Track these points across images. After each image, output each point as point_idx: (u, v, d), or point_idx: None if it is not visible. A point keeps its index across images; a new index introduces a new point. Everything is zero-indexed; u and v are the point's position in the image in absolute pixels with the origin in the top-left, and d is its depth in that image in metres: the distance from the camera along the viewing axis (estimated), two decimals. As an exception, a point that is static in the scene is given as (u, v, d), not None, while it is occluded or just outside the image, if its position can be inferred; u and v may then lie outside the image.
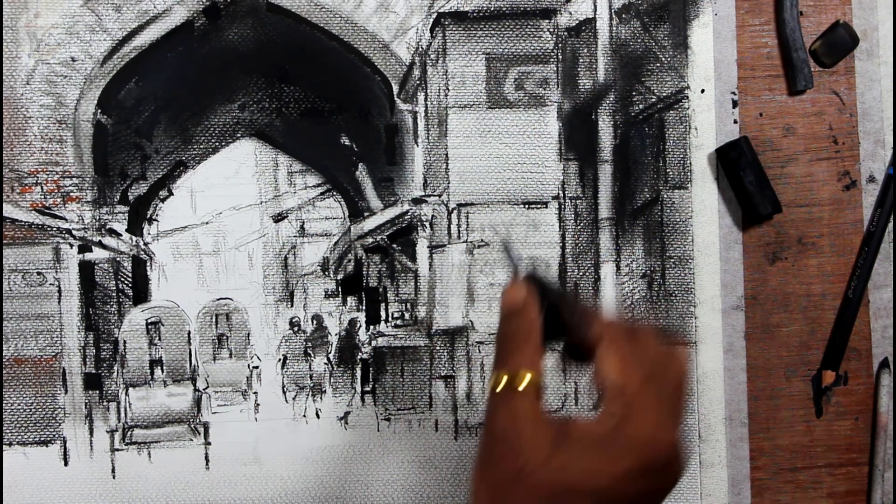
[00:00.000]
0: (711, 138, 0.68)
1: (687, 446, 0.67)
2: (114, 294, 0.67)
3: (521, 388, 0.45)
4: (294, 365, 0.69)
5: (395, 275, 0.69)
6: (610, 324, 0.48)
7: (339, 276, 0.69)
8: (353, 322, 0.69)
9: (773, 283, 0.68)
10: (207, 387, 0.68)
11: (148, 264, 0.68)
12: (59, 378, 0.67)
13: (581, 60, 0.68)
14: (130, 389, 0.68)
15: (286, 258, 0.69)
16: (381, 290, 0.69)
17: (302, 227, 0.69)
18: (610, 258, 0.68)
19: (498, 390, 0.45)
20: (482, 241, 0.68)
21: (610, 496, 0.43)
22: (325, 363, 0.69)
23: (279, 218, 0.69)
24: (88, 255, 0.67)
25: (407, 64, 0.68)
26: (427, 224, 0.69)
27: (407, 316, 0.69)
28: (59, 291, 0.67)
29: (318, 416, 0.68)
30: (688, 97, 0.68)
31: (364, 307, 0.69)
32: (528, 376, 0.45)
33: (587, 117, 0.68)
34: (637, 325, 0.50)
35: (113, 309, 0.67)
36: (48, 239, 0.67)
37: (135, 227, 0.68)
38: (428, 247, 0.69)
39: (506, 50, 0.68)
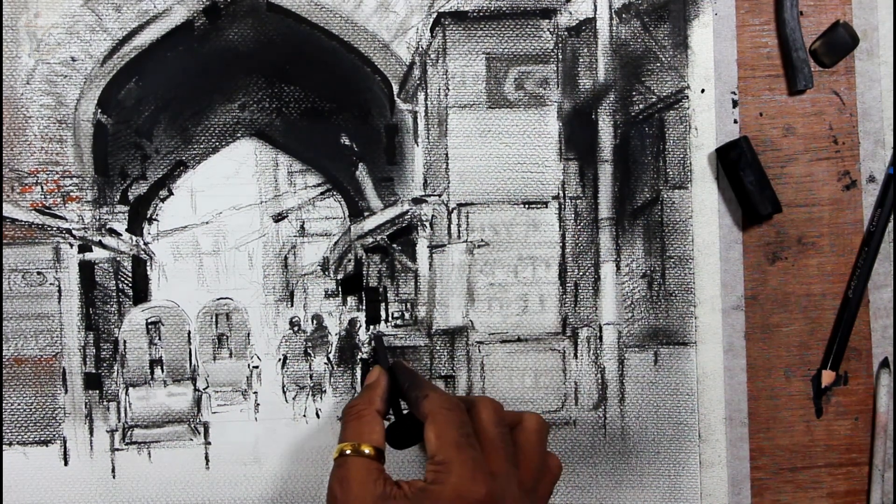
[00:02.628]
0: (711, 138, 0.68)
1: (687, 446, 0.67)
2: (114, 294, 0.67)
3: (349, 454, 0.52)
4: (294, 365, 0.69)
5: (395, 275, 0.69)
6: (436, 399, 0.54)
7: (339, 276, 0.69)
8: (353, 322, 0.69)
9: (773, 283, 0.68)
10: (207, 386, 0.68)
11: (148, 264, 0.68)
12: (59, 378, 0.67)
13: (581, 60, 0.68)
14: (130, 389, 0.68)
15: (286, 258, 0.69)
16: (381, 290, 0.69)
17: (302, 227, 0.69)
18: (610, 258, 0.68)
19: (334, 458, 0.53)
20: (482, 241, 0.68)
21: None
22: (325, 363, 0.69)
23: (279, 218, 0.69)
24: (88, 255, 0.67)
25: (407, 64, 0.68)
26: (427, 224, 0.69)
27: (407, 316, 0.69)
28: (59, 291, 0.67)
29: (318, 416, 0.68)
30: (688, 97, 0.68)
31: (364, 307, 0.69)
32: (359, 446, 0.52)
33: (587, 117, 0.68)
34: (468, 398, 0.57)
35: (113, 309, 0.67)
36: (48, 239, 0.67)
37: (135, 227, 0.68)
38: (428, 247, 0.69)
39: (506, 50, 0.68)
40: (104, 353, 0.67)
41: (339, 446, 0.53)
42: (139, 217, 0.68)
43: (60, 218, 0.67)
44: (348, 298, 0.69)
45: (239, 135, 0.68)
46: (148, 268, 0.68)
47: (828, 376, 0.68)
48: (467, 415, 0.54)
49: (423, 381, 0.57)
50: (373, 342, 0.66)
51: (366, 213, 0.69)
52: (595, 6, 0.68)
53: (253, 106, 0.68)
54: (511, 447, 0.53)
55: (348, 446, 0.52)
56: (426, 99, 0.69)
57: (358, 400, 0.56)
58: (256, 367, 0.68)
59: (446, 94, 0.68)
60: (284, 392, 0.68)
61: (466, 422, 0.53)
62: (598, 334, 0.68)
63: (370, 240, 0.69)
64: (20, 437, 0.66)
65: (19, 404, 0.66)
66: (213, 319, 0.68)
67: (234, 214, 0.68)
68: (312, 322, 0.69)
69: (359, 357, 0.69)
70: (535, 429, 0.55)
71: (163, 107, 0.68)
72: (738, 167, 0.66)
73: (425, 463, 0.52)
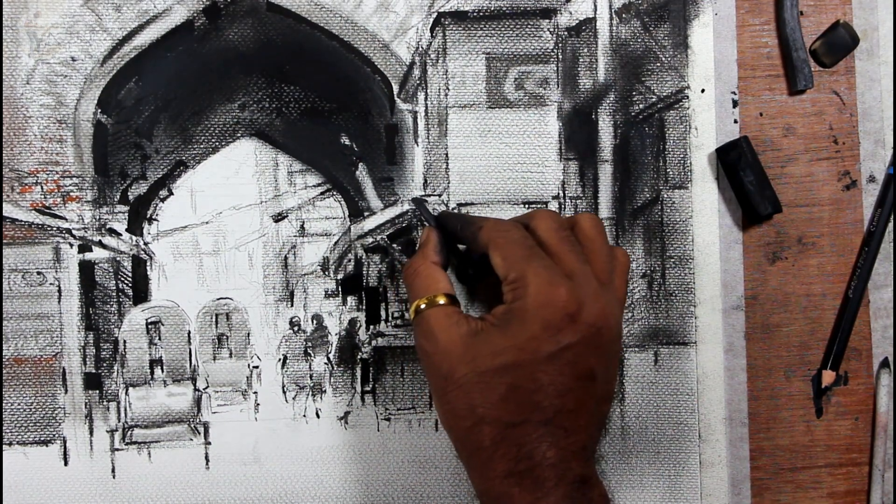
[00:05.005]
0: (711, 138, 0.68)
1: (687, 446, 0.67)
2: (114, 294, 0.67)
3: (424, 308, 0.52)
4: (294, 365, 0.69)
5: (395, 275, 0.69)
6: (492, 225, 0.54)
7: (339, 276, 0.69)
8: (353, 322, 0.69)
9: (773, 283, 0.68)
10: (207, 386, 0.68)
11: (148, 264, 0.68)
12: (59, 378, 0.67)
13: (581, 60, 0.68)
14: (130, 389, 0.68)
15: (286, 258, 0.69)
16: (381, 289, 0.69)
17: (302, 227, 0.69)
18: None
19: (411, 317, 0.53)
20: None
21: (521, 368, 0.48)
22: (325, 363, 0.69)
23: (279, 218, 0.69)
24: (88, 255, 0.67)
25: (407, 64, 0.68)
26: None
27: (407, 316, 0.69)
28: (59, 291, 0.67)
29: (318, 416, 0.68)
30: (688, 97, 0.68)
31: (364, 307, 0.69)
32: (433, 297, 0.53)
33: (587, 117, 0.68)
34: (521, 216, 0.56)
35: (113, 309, 0.67)
36: (48, 239, 0.67)
37: (135, 227, 0.68)
38: (428, 247, 0.69)
39: (506, 50, 0.68)
40: (104, 353, 0.67)
41: (412, 307, 0.54)
42: (139, 217, 0.68)
43: (60, 218, 0.67)
44: (348, 298, 0.69)
45: (239, 135, 0.68)
46: (148, 268, 0.68)
47: (828, 376, 0.68)
48: (525, 230, 0.53)
49: (473, 217, 0.57)
50: (414, 206, 0.66)
51: (366, 213, 0.69)
52: (595, 6, 0.68)
53: (253, 106, 0.68)
54: (577, 247, 0.53)
55: (421, 302, 0.53)
56: (426, 99, 0.69)
57: (413, 259, 0.57)
58: (256, 367, 0.68)
59: (446, 94, 0.68)
60: (284, 392, 0.68)
61: (527, 235, 0.52)
62: (598, 334, 0.68)
63: (370, 240, 0.69)
64: (20, 437, 0.66)
65: (19, 404, 0.66)
66: (213, 319, 0.68)
67: (234, 214, 0.68)
68: (312, 322, 0.69)
69: (359, 357, 0.69)
70: (592, 225, 0.55)
71: (163, 107, 0.68)
72: (738, 167, 0.66)
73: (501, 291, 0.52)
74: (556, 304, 0.48)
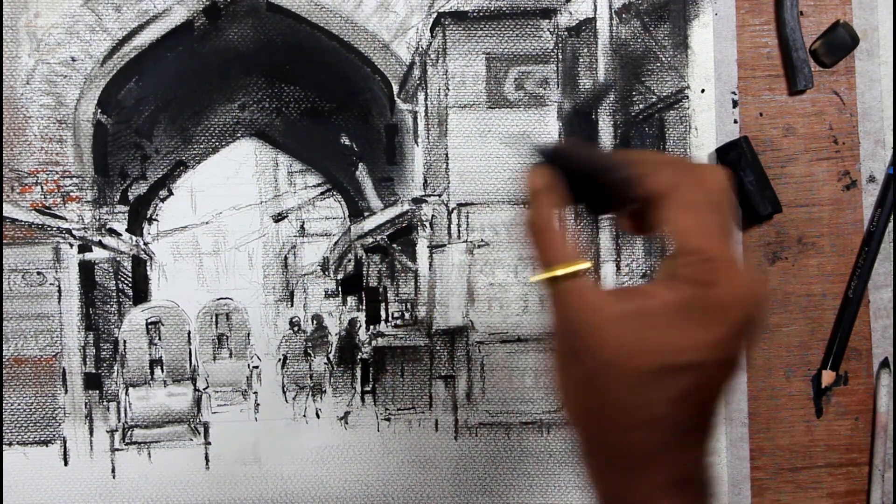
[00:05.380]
0: (711, 138, 0.68)
1: (687, 446, 0.67)
2: (114, 294, 0.67)
3: (566, 279, 0.41)
4: (294, 365, 0.69)
5: (395, 275, 0.69)
6: (675, 170, 0.42)
7: (339, 276, 0.69)
8: (353, 322, 0.69)
9: (773, 283, 0.68)
10: (207, 387, 0.68)
11: (148, 264, 0.68)
12: (59, 378, 0.67)
13: (581, 60, 0.68)
14: (130, 389, 0.68)
15: (286, 258, 0.69)
16: (381, 290, 0.69)
17: (302, 227, 0.69)
18: (610, 258, 0.68)
19: (545, 286, 0.42)
20: (482, 241, 0.68)
21: (705, 369, 0.39)
22: (325, 363, 0.69)
23: (279, 218, 0.69)
24: (88, 255, 0.67)
25: (407, 64, 0.68)
26: (427, 224, 0.69)
27: (407, 316, 0.69)
28: (59, 291, 0.67)
29: (318, 416, 0.68)
30: (688, 97, 0.68)
31: (364, 307, 0.69)
32: (575, 265, 0.42)
33: (587, 117, 0.68)
34: (700, 166, 0.45)
35: (113, 309, 0.67)
36: (48, 239, 0.67)
37: (135, 227, 0.68)
38: (428, 247, 0.69)
39: (506, 50, 0.68)
40: (104, 353, 0.67)
41: (542, 274, 0.42)
42: (139, 217, 0.68)
43: (60, 218, 0.66)
44: (348, 298, 0.69)
45: (239, 135, 0.68)
46: (148, 268, 0.68)
47: (828, 376, 0.68)
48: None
49: (614, 155, 0.45)
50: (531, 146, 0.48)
51: (366, 213, 0.69)
52: (595, 6, 0.68)
53: (253, 106, 0.68)
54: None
55: (559, 268, 0.41)
56: (426, 99, 0.69)
57: (534, 212, 0.44)
58: (256, 367, 0.68)
59: (446, 94, 0.68)
60: (284, 392, 0.68)
61: (721, 203, 0.42)
62: (598, 334, 0.68)
63: (370, 240, 0.69)
64: (20, 437, 0.66)
65: (19, 404, 0.66)
66: (213, 319, 0.68)
67: (234, 214, 0.68)
68: (312, 322, 0.69)
69: (359, 357, 0.69)
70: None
71: (163, 107, 0.68)
72: (738, 167, 0.66)
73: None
74: (758, 302, 0.40)
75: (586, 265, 0.42)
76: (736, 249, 0.40)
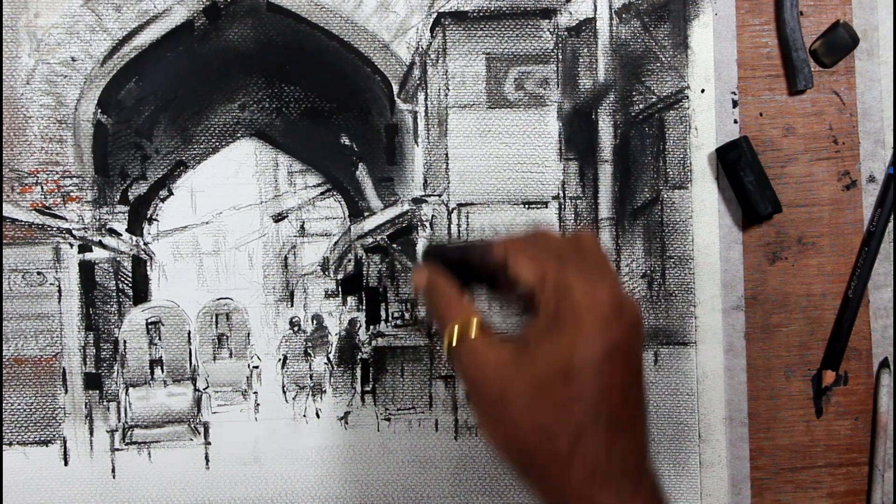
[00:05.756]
0: (711, 138, 0.68)
1: (687, 446, 0.67)
2: (114, 294, 0.67)
3: (461, 337, 0.49)
4: (294, 365, 0.69)
5: (395, 275, 0.69)
6: (507, 239, 0.51)
7: (339, 276, 0.69)
8: (353, 322, 0.69)
9: (773, 283, 0.68)
10: (207, 387, 0.68)
11: (148, 264, 0.68)
12: (59, 378, 0.67)
13: (581, 60, 0.68)
14: (130, 389, 0.68)
15: (286, 258, 0.69)
16: (381, 290, 0.69)
17: (302, 227, 0.69)
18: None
19: (445, 349, 0.50)
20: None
21: (581, 371, 0.46)
22: (325, 363, 0.69)
23: (279, 218, 0.69)
24: (88, 255, 0.67)
25: (407, 64, 0.68)
26: (427, 224, 0.69)
27: (407, 316, 0.69)
28: (59, 291, 0.67)
29: (318, 416, 0.68)
30: (688, 97, 0.68)
31: (364, 307, 0.69)
32: (467, 322, 0.50)
33: (587, 117, 0.68)
34: (534, 230, 0.54)
35: (113, 309, 0.68)
36: (48, 239, 0.67)
37: (135, 227, 0.68)
38: (428, 247, 0.69)
39: (506, 50, 0.68)
40: (104, 353, 0.67)
41: (446, 336, 0.50)
42: (139, 217, 0.68)
43: (60, 218, 0.67)
44: (348, 298, 0.69)
45: (239, 135, 0.68)
46: (148, 268, 0.68)
47: (828, 376, 0.68)
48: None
49: (469, 242, 0.55)
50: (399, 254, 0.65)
51: (366, 213, 0.69)
52: (595, 6, 0.68)
53: (253, 106, 0.68)
54: (588, 256, 0.51)
55: (455, 331, 0.50)
56: (426, 99, 0.69)
57: (434, 291, 0.53)
58: (256, 367, 0.68)
59: (446, 94, 0.68)
60: (284, 392, 0.68)
61: (546, 242, 0.51)
62: (598, 334, 0.68)
63: (370, 240, 0.69)
64: (20, 437, 0.66)
65: (19, 404, 0.66)
66: (213, 319, 0.68)
67: (234, 214, 0.68)
68: (312, 322, 0.69)
69: (359, 357, 0.69)
70: (595, 241, 0.53)
71: (163, 107, 0.68)
72: (738, 167, 0.66)
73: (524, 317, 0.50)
74: (604, 301, 0.46)
75: (475, 322, 0.49)
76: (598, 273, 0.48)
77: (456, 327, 0.50)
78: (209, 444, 0.67)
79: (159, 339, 0.68)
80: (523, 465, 0.49)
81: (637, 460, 0.47)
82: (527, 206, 0.68)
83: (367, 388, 0.68)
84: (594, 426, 0.46)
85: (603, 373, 0.46)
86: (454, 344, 0.50)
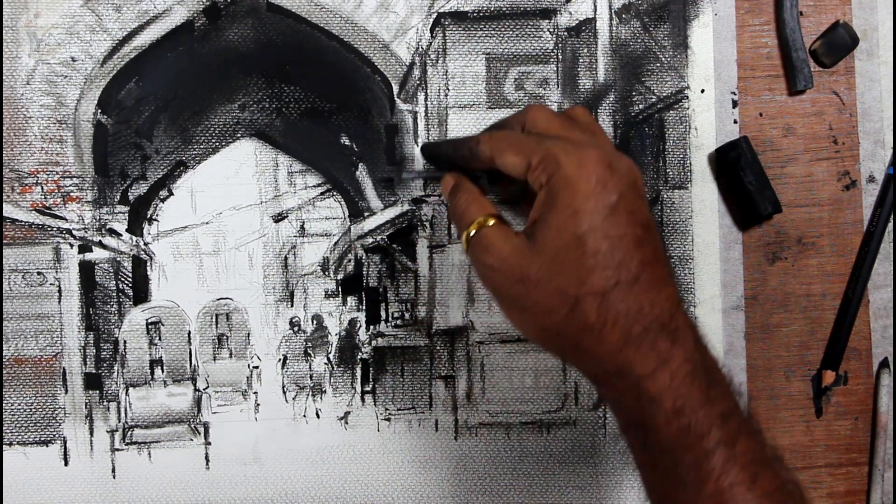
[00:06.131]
0: (711, 138, 0.68)
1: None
2: (114, 294, 0.68)
3: (475, 232, 0.51)
4: (294, 365, 0.69)
5: (395, 275, 0.69)
6: (490, 135, 0.53)
7: (339, 276, 0.69)
8: (353, 322, 0.69)
9: (773, 283, 0.68)
10: (207, 387, 0.68)
11: (148, 264, 0.68)
12: (59, 378, 0.67)
13: (581, 60, 0.68)
14: (130, 389, 0.68)
15: (286, 258, 0.69)
16: (381, 290, 0.69)
17: (302, 227, 0.69)
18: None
19: (465, 249, 0.52)
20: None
21: (589, 233, 0.46)
22: (325, 363, 0.69)
23: (279, 218, 0.69)
24: (88, 255, 0.67)
25: (407, 64, 0.68)
26: (427, 224, 0.69)
27: (407, 316, 0.69)
28: (60, 291, 0.67)
29: (318, 416, 0.68)
30: (688, 97, 0.68)
31: (364, 307, 0.69)
32: (482, 219, 0.52)
33: (587, 117, 0.68)
34: (527, 108, 0.55)
35: (113, 309, 0.68)
36: (48, 239, 0.67)
37: (135, 227, 0.68)
38: (428, 247, 0.69)
39: (506, 50, 0.68)
40: (104, 353, 0.67)
41: (462, 238, 0.53)
42: (139, 217, 0.68)
43: (60, 218, 0.67)
44: (348, 298, 0.69)
45: (239, 135, 0.68)
46: (148, 268, 0.68)
47: (828, 376, 0.68)
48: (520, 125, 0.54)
49: (462, 138, 0.56)
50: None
51: (366, 214, 0.69)
52: (595, 6, 0.68)
53: (253, 106, 0.68)
54: (579, 126, 0.53)
55: (471, 228, 0.52)
56: (426, 99, 0.69)
57: (458, 193, 0.55)
58: (256, 367, 0.68)
59: (446, 95, 0.68)
60: (284, 392, 0.68)
61: (528, 130, 0.53)
62: (598, 334, 0.68)
63: (370, 240, 0.69)
64: (20, 437, 0.66)
65: (19, 404, 0.66)
66: (213, 319, 0.68)
67: (234, 214, 0.68)
68: (312, 322, 0.69)
69: (359, 357, 0.69)
70: (586, 113, 0.56)
71: (163, 107, 0.68)
72: (738, 167, 0.66)
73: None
74: (592, 160, 0.47)
75: (491, 219, 0.51)
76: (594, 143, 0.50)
77: (477, 221, 0.51)
78: (209, 444, 0.67)
79: (159, 339, 0.68)
80: (556, 342, 0.49)
81: (670, 314, 0.47)
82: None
83: (367, 388, 0.68)
84: (616, 286, 0.46)
85: (610, 232, 0.46)
86: (472, 235, 0.51)
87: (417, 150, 0.68)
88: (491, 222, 0.51)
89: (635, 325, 0.46)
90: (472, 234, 0.52)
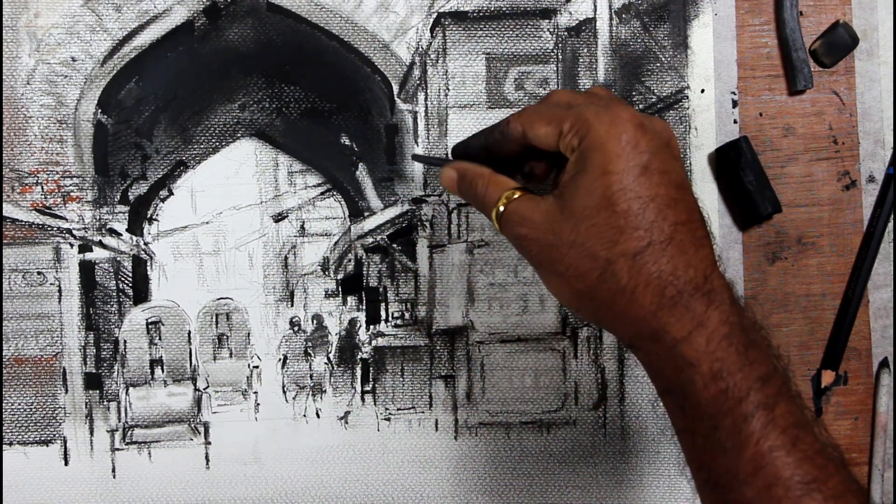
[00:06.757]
0: (711, 138, 0.68)
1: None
2: (114, 294, 0.68)
3: (504, 206, 0.50)
4: (294, 365, 0.69)
5: (395, 275, 0.69)
6: (520, 112, 0.52)
7: (339, 276, 0.69)
8: (353, 322, 0.69)
9: (773, 283, 0.68)
10: (207, 386, 0.68)
11: (148, 264, 0.68)
12: (59, 378, 0.67)
13: (581, 60, 0.69)
14: (131, 389, 0.68)
15: (286, 258, 0.69)
16: (381, 290, 0.69)
17: (302, 227, 0.69)
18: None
19: (496, 226, 0.51)
20: (482, 241, 0.68)
21: (621, 193, 0.46)
22: (325, 363, 0.69)
23: (279, 218, 0.69)
24: (89, 255, 0.67)
25: (407, 64, 0.68)
26: (427, 224, 0.69)
27: (407, 316, 0.69)
28: (60, 291, 0.67)
29: (318, 416, 0.68)
30: (688, 97, 0.68)
31: (364, 307, 0.69)
32: (509, 194, 0.50)
33: (587, 117, 0.68)
34: (547, 95, 0.54)
35: (113, 309, 0.68)
36: (48, 239, 0.67)
37: (135, 227, 0.68)
38: (428, 247, 0.69)
39: (506, 50, 0.68)
40: (104, 353, 0.67)
41: (493, 215, 0.51)
42: (139, 217, 0.68)
43: (60, 218, 0.67)
44: (348, 298, 0.69)
45: (239, 135, 0.69)
46: (148, 268, 0.68)
47: (828, 376, 0.68)
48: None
49: (491, 126, 0.54)
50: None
51: (366, 213, 0.69)
52: (595, 6, 0.68)
53: (253, 106, 0.68)
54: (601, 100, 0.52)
55: (500, 204, 0.51)
56: (426, 99, 0.69)
57: (470, 179, 0.54)
58: (256, 367, 0.68)
59: (446, 94, 0.68)
60: (284, 392, 0.68)
61: (556, 102, 0.52)
62: (598, 334, 0.68)
63: (370, 240, 0.69)
64: (20, 437, 0.66)
65: (19, 404, 0.66)
66: (213, 319, 0.68)
67: (234, 214, 0.68)
68: (312, 322, 0.69)
69: (359, 357, 0.69)
70: (606, 90, 0.55)
71: (163, 107, 0.68)
72: (738, 167, 0.66)
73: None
74: (623, 120, 0.46)
75: (517, 192, 0.50)
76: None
77: (503, 196, 0.50)
78: (209, 443, 0.67)
79: (159, 338, 0.68)
80: (590, 306, 0.48)
81: (704, 276, 0.46)
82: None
83: (367, 388, 0.68)
84: (649, 247, 0.45)
85: (641, 192, 0.46)
86: (501, 212, 0.50)
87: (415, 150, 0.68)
88: (517, 195, 0.50)
89: (669, 287, 0.45)
90: (501, 210, 0.50)
